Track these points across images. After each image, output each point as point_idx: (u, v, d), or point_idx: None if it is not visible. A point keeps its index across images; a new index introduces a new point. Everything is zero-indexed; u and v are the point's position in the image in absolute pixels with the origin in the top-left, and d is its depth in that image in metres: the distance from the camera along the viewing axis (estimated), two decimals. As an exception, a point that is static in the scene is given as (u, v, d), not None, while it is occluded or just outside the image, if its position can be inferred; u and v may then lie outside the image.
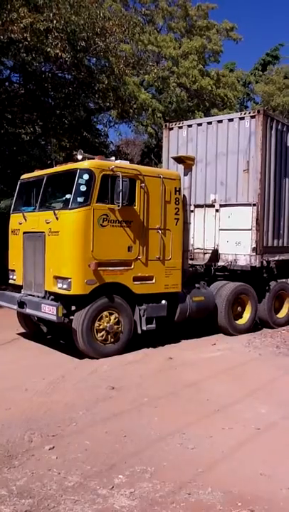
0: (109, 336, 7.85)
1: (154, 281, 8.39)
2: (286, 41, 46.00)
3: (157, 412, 5.52)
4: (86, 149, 11.50)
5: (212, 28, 22.49)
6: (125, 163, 8.44)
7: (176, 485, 3.91)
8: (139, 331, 8.26)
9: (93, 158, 7.98)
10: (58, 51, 12.98)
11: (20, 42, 12.84)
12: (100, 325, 7.72)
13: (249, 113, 10.12)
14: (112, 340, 7.91)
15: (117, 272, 7.88)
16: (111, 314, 7.87)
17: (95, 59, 15.92)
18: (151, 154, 23.12)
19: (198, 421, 5.27)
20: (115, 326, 7.89)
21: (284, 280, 11.07)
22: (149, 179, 8.29)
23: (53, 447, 4.55)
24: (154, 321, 8.36)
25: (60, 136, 17.30)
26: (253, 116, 9.82)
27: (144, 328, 8.23)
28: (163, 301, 8.52)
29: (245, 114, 10.18)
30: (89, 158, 8.00)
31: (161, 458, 4.38)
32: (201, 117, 18.02)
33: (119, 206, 7.68)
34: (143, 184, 8.16)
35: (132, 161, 18.07)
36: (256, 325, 10.51)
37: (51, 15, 12.74)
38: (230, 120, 10.25)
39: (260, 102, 26.25)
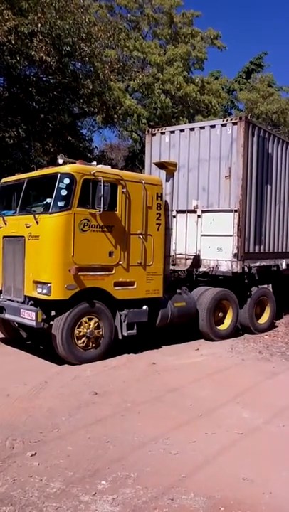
0: (90, 342, 7.84)
1: (135, 286, 8.41)
2: (269, 50, 46.72)
3: (140, 418, 5.53)
4: (70, 154, 11.51)
5: (197, 36, 22.68)
6: (107, 168, 8.44)
7: (159, 490, 3.93)
8: (120, 337, 8.27)
9: (74, 163, 7.98)
10: (42, 55, 12.98)
11: (5, 45, 12.80)
12: (80, 331, 7.71)
13: (231, 120, 10.23)
14: (93, 345, 7.90)
15: (98, 277, 7.88)
16: (91, 319, 7.85)
17: (80, 64, 15.93)
18: (136, 160, 23.16)
19: (181, 426, 5.30)
20: (96, 331, 7.88)
21: (265, 286, 11.19)
22: (130, 184, 8.32)
23: (35, 453, 4.53)
24: (135, 327, 8.37)
25: (44, 140, 17.23)
26: (235, 123, 9.93)
27: (125, 333, 8.24)
28: (144, 307, 8.55)
29: (227, 120, 10.29)
30: (70, 163, 7.99)
31: (144, 463, 4.39)
32: (185, 123, 18.13)
33: (100, 211, 7.68)
34: (125, 189, 8.19)
35: (116, 166, 18.13)
36: (237, 330, 10.59)
37: (36, 18, 12.75)
38: (213, 127, 10.35)
39: (244, 109, 26.51)
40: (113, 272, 8.08)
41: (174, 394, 6.42)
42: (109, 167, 8.78)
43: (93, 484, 4.00)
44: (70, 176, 7.61)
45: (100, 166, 8.37)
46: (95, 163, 8.57)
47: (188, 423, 5.41)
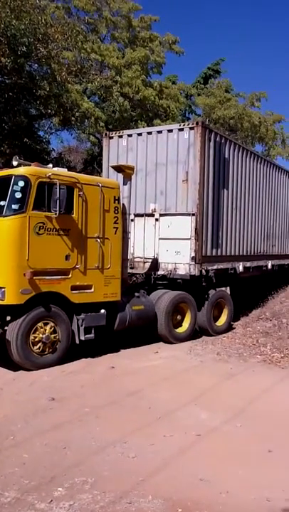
0: (46, 347, 7.73)
1: (92, 290, 8.36)
2: (227, 56, 47.67)
3: (99, 422, 5.50)
4: (27, 156, 11.31)
5: (155, 40, 22.80)
6: (63, 171, 8.37)
7: (117, 495, 3.91)
8: (77, 341, 8.20)
9: (30, 165, 7.87)
10: (-4, 55, 12.72)
11: None
12: (35, 336, 7.59)
13: (188, 124, 10.35)
14: (50, 350, 7.79)
15: (54, 281, 7.78)
16: (47, 324, 7.74)
17: (36, 65, 15.71)
18: (95, 163, 23.01)
19: (140, 429, 5.30)
20: (52, 336, 7.77)
21: (223, 289, 11.36)
22: (87, 187, 8.27)
23: (-11, 463, 4.42)
24: (93, 331, 8.32)
25: (-1, 142, 16.88)
26: (191, 128, 10.06)
27: (82, 338, 8.18)
28: (102, 310, 8.51)
29: (184, 125, 10.40)
30: (25, 165, 7.88)
31: (101, 468, 4.37)
32: (144, 127, 18.20)
33: (56, 214, 7.60)
34: (81, 192, 8.13)
35: (74, 169, 18.00)
36: (196, 333, 10.70)
37: (-11, 18, 12.48)
38: (170, 131, 10.44)
39: (202, 114, 26.84)
40: (70, 275, 8.00)
41: (133, 397, 6.42)
42: (66, 170, 8.70)
43: (49, 491, 3.94)
44: (25, 178, 7.49)
45: (55, 168, 8.27)
46: (50, 165, 8.46)
47: (147, 426, 5.42)
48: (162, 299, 9.88)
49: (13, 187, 7.42)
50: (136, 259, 10.57)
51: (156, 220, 10.40)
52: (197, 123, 10.13)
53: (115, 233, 8.81)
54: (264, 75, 59.84)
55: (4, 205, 7.45)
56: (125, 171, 9.28)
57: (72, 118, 17.89)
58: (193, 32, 58.04)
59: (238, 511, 3.81)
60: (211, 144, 10.39)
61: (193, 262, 9.91)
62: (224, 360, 8.71)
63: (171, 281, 10.39)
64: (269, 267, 13.86)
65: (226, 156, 11.10)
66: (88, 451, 4.74)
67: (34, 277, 7.44)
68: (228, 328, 11.41)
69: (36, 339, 7.59)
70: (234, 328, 11.52)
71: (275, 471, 4.45)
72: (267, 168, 13.78)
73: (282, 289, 12.63)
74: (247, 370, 8.11)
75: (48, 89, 15.19)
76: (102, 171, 11.66)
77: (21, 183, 7.45)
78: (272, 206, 14.22)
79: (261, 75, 60.37)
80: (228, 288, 11.65)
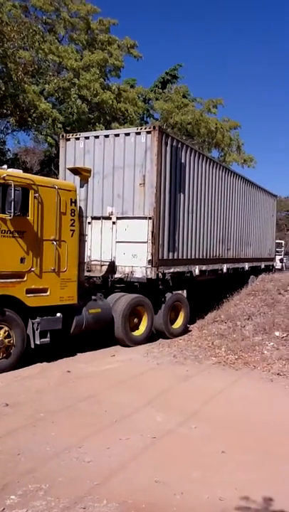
0: (0, 352, 7.57)
1: (48, 293, 8.26)
2: (184, 62, 48.30)
3: (54, 427, 5.44)
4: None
5: (113, 43, 22.81)
6: (18, 172, 8.23)
7: (71, 500, 3.87)
8: (33, 346, 8.08)
9: None
10: None
11: None
12: (-12, 341, 7.42)
13: (145, 128, 10.44)
14: (4, 355, 7.64)
15: (9, 284, 7.64)
16: (1, 328, 7.60)
17: (-9, 64, 15.41)
18: (52, 164, 22.77)
19: (95, 433, 5.28)
20: (6, 340, 7.62)
21: (179, 292, 11.47)
22: (43, 189, 8.17)
23: None
24: (49, 335, 8.21)
25: None
26: (149, 132, 10.13)
27: (37, 342, 8.06)
28: (58, 314, 8.42)
29: (141, 129, 10.48)
30: None
31: (56, 474, 4.31)
32: (102, 130, 18.16)
33: (11, 216, 7.47)
34: (37, 194, 8.03)
35: (30, 170, 17.74)
36: (153, 336, 10.75)
37: None
38: (127, 134, 10.48)
39: (160, 118, 27.05)
40: (25, 278, 7.88)
41: (89, 401, 6.38)
42: (21, 171, 8.56)
43: (1, 500, 3.86)
44: (-22, 179, 7.32)
45: (10, 169, 8.13)
46: (5, 166, 8.32)
47: (103, 430, 5.41)
48: (119, 302, 9.87)
49: None
50: (93, 262, 10.53)
51: (114, 223, 10.40)
52: (154, 127, 10.21)
53: (72, 236, 8.74)
54: (221, 82, 61.19)
55: None
56: (82, 174, 9.24)
57: (29, 119, 17.66)
58: (150, 37, 58.61)
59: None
60: (168, 148, 10.49)
61: (150, 266, 9.96)
62: (180, 363, 8.79)
63: (128, 285, 10.40)
64: (224, 270, 14.12)
65: (183, 160, 11.24)
66: (43, 456, 4.67)
67: (-13, 281, 7.27)
68: (185, 330, 11.53)
69: (-11, 344, 7.41)
70: (190, 330, 11.65)
71: (228, 470, 4.52)
72: (222, 174, 14.05)
73: (236, 293, 12.86)
74: (202, 372, 8.22)
75: (3, 88, 14.95)
76: (59, 173, 11.55)
77: (-26, 184, 7.28)
78: (227, 211, 14.51)
79: (218, 81, 61.73)
80: (185, 291, 11.78)
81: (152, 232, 9.95)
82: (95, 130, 18.39)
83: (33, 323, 8.04)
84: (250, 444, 5.17)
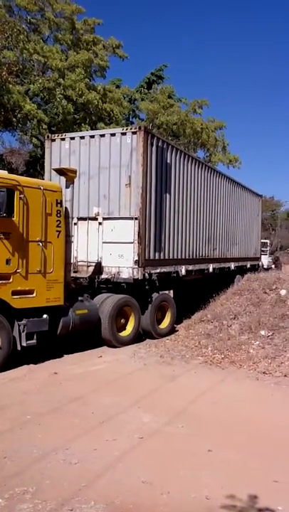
0: (-15, 354, 7.52)
1: (34, 294, 8.23)
2: (170, 62, 48.43)
3: (41, 429, 5.42)
4: None
5: (98, 44, 22.77)
6: (3, 173, 8.21)
7: (58, 502, 3.86)
8: (19, 348, 8.03)
9: None
10: None
11: None
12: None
13: (131, 129, 10.44)
14: (-11, 358, 7.58)
15: None
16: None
17: (-25, 64, 15.32)
18: (37, 165, 22.62)
19: (82, 435, 5.27)
20: (-9, 343, 7.57)
21: (166, 292, 11.50)
22: (28, 190, 8.14)
23: None
24: (35, 336, 8.17)
25: None
26: (134, 132, 10.14)
27: (24, 344, 8.01)
28: (44, 315, 8.38)
29: (127, 129, 10.48)
30: None
31: (43, 476, 4.30)
32: (88, 130, 18.12)
33: None
34: (22, 195, 7.99)
35: (15, 171, 17.63)
36: (140, 336, 10.76)
37: None
38: (113, 135, 10.48)
39: (146, 119, 27.08)
40: (11, 280, 7.83)
41: (76, 403, 6.37)
42: (6, 172, 8.52)
43: (-13, 504, 3.83)
44: None
45: (-5, 170, 8.09)
46: (-10, 167, 8.27)
47: (90, 431, 5.40)
48: (106, 302, 9.87)
49: None
50: (79, 263, 10.51)
51: (100, 223, 10.39)
52: (140, 127, 10.22)
53: (58, 237, 8.71)
54: (206, 82, 61.44)
55: None
56: (68, 174, 9.21)
57: (14, 119, 17.54)
58: (136, 38, 58.66)
59: (178, 511, 3.86)
60: (154, 148, 10.51)
61: (137, 266, 9.97)
62: (167, 363, 8.82)
63: (114, 285, 10.39)
64: (210, 270, 14.19)
65: (168, 161, 11.26)
66: (29, 459, 4.65)
67: (-27, 282, 7.22)
68: (171, 330, 11.56)
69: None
70: (177, 330, 11.68)
71: (215, 469, 4.55)
72: (208, 174, 14.11)
73: (223, 292, 12.92)
74: (189, 371, 8.26)
75: (-13, 88, 14.83)
76: (44, 173, 11.50)
77: None
78: (213, 211, 14.58)
79: (203, 82, 62.00)
80: (171, 291, 11.82)
81: (138, 233, 9.96)
82: (81, 130, 18.34)
83: (19, 325, 7.99)
84: (237, 443, 5.21)
